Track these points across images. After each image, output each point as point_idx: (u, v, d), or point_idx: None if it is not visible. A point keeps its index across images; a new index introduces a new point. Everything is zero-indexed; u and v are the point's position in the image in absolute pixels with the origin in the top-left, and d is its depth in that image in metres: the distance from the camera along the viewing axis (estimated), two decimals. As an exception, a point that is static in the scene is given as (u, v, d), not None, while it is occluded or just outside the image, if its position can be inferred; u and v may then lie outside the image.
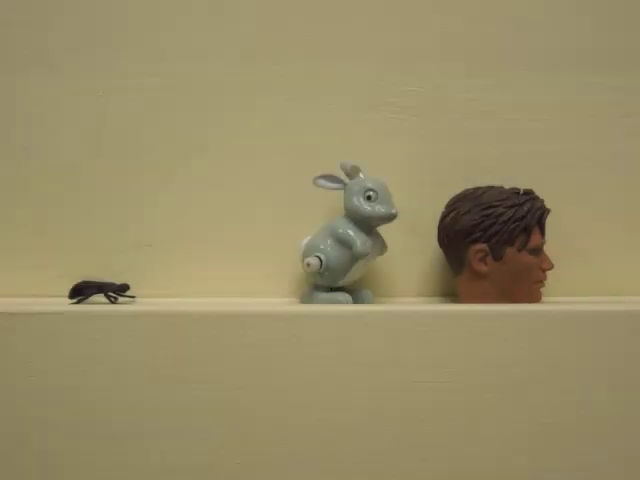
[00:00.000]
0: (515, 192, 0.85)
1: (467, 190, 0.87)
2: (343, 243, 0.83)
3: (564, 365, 0.74)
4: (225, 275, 0.92)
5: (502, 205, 0.83)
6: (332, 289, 0.86)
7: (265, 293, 0.92)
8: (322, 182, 0.86)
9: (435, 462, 0.74)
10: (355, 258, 0.83)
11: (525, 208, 0.83)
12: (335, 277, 0.84)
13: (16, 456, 0.74)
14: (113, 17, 0.92)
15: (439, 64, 0.92)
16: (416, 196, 0.91)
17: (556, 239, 0.88)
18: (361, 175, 0.86)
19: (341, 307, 0.81)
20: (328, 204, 0.90)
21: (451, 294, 0.91)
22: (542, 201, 0.85)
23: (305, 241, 0.87)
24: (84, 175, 0.92)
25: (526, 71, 0.92)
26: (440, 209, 0.88)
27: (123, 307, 0.81)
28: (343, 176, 0.86)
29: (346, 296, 0.84)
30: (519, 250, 0.83)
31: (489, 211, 0.83)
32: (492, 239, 0.83)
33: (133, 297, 0.86)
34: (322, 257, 0.83)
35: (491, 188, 0.85)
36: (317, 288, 0.86)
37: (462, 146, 0.92)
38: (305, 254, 0.85)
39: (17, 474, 0.74)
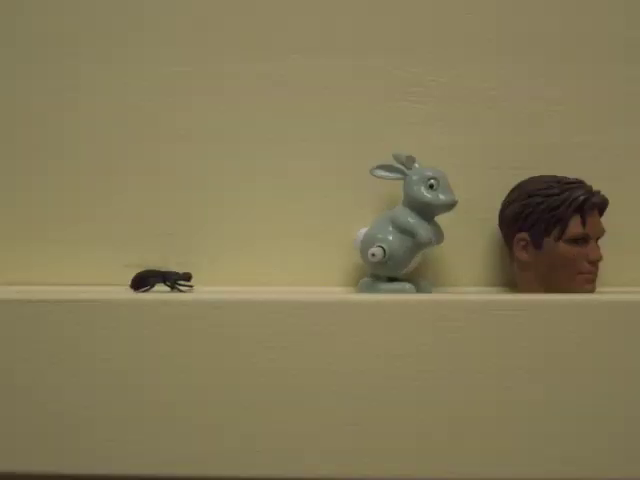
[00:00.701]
0: (557, 181, 0.84)
1: (528, 178, 0.87)
2: (406, 232, 0.84)
3: (569, 356, 0.71)
4: (275, 265, 0.94)
5: (540, 194, 0.83)
6: (390, 279, 0.86)
7: (316, 283, 0.93)
8: (380, 172, 0.87)
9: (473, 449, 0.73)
10: (418, 247, 0.84)
11: (562, 197, 0.82)
12: (397, 266, 0.85)
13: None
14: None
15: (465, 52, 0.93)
16: (470, 185, 0.90)
17: (613, 229, 0.86)
18: (416, 165, 0.85)
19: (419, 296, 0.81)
20: (375, 195, 0.92)
21: (511, 284, 0.91)
22: (587, 189, 0.83)
23: (363, 232, 0.87)
24: (132, 162, 0.96)
25: (583, 61, 0.92)
26: (496, 198, 0.88)
27: (152, 296, 0.80)
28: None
29: (412, 286, 0.85)
30: (556, 240, 0.82)
31: (528, 200, 0.84)
32: (532, 228, 0.83)
33: (192, 286, 0.87)
34: (385, 247, 0.83)
35: (539, 177, 0.86)
36: (378, 278, 0.86)
37: (523, 134, 0.92)
38: (365, 245, 0.86)
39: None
